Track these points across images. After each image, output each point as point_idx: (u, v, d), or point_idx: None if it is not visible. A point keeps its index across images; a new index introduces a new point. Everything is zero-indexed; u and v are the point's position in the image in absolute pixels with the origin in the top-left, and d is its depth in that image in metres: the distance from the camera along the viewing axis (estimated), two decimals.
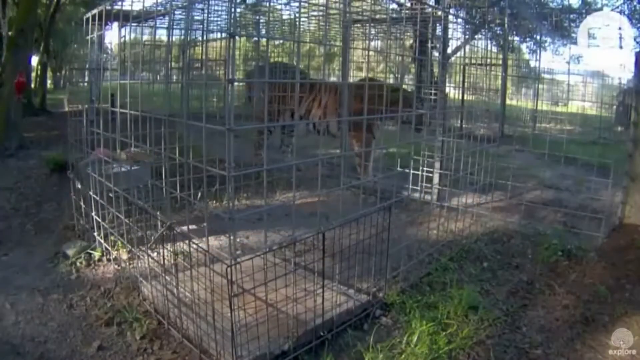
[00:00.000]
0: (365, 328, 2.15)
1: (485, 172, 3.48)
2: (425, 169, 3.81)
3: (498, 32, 7.22)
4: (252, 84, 4.80)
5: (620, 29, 4.01)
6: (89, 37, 2.67)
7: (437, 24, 3.97)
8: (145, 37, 3.02)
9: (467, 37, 4.16)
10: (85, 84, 3.32)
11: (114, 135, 2.58)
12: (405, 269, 2.67)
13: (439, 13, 3.75)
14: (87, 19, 2.61)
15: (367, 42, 4.93)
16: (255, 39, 6.71)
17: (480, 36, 4.88)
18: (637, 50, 4.68)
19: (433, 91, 4.45)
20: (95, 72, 3.22)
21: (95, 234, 2.74)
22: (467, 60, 4.94)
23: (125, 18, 2.56)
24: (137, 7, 2.46)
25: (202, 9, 3.78)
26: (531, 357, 2.01)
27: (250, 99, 5.27)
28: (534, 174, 5.33)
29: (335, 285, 2.27)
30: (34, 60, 10.91)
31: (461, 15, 4.64)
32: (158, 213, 2.20)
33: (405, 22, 4.71)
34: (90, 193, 2.75)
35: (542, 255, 2.97)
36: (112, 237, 2.70)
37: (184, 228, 2.41)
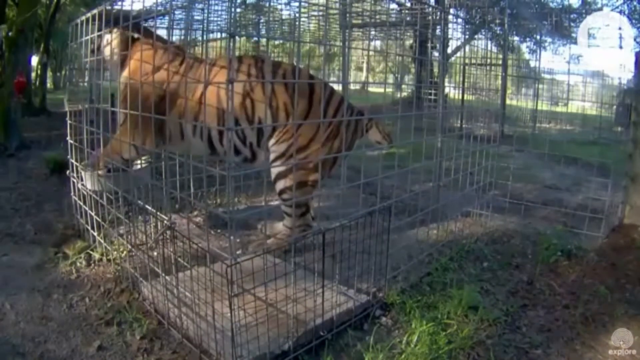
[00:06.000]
0: (365, 328, 2.16)
1: (485, 172, 3.48)
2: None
3: (498, 32, 7.22)
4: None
5: (620, 29, 4.01)
6: (88, 38, 2.67)
7: (437, 25, 3.97)
8: None
9: (467, 37, 4.16)
10: (85, 84, 3.32)
11: (113, 135, 2.58)
12: (405, 269, 2.68)
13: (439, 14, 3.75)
14: (87, 19, 2.61)
15: (367, 42, 4.93)
16: (255, 39, 6.73)
17: (480, 36, 4.89)
18: (637, 50, 4.68)
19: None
20: (95, 72, 3.22)
21: (95, 233, 2.74)
22: (467, 60, 4.94)
23: (125, 18, 2.56)
24: (137, 7, 2.46)
25: (202, 9, 3.79)
26: (531, 357, 2.02)
27: None
28: (534, 174, 5.33)
29: (335, 285, 2.27)
30: (34, 60, 10.90)
31: (461, 15, 4.64)
32: (158, 212, 2.20)
33: (405, 23, 4.71)
34: (90, 193, 2.75)
35: (542, 255, 2.97)
36: (112, 237, 2.70)
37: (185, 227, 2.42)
